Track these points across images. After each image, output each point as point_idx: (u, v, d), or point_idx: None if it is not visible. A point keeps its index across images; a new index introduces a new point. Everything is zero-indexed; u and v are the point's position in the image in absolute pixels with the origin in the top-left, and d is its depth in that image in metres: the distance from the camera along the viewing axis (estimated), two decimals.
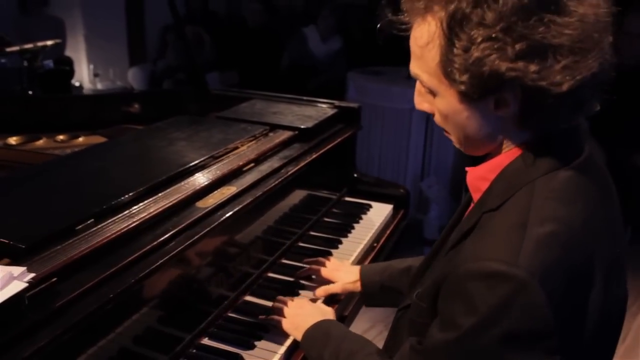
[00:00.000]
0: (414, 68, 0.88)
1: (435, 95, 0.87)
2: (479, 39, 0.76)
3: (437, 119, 0.91)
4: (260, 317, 1.31)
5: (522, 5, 0.74)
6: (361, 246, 1.72)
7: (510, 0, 0.75)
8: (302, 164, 1.63)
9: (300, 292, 1.46)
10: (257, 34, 4.89)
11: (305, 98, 2.09)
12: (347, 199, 2.01)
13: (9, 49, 2.58)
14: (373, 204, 1.97)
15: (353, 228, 1.81)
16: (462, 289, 0.77)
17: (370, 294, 1.38)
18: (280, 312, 1.27)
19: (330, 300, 1.43)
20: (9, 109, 2.08)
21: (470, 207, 0.95)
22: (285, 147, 1.68)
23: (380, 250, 1.78)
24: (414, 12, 0.84)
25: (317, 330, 1.16)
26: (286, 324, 1.24)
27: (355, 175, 2.06)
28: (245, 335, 1.29)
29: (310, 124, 1.78)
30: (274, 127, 1.75)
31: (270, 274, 1.53)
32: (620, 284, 0.89)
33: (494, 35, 0.75)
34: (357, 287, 1.39)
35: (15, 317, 0.85)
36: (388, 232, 1.88)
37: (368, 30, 4.91)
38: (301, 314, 1.23)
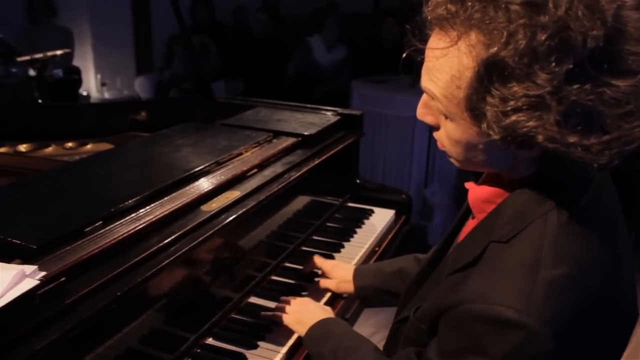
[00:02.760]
0: (429, 85, 0.78)
1: (449, 119, 0.79)
2: (520, 96, 0.66)
3: (441, 136, 0.84)
4: (263, 313, 1.34)
5: (577, 64, 0.64)
6: (363, 250, 1.75)
7: (566, 57, 0.64)
8: (305, 169, 1.66)
9: (303, 294, 1.49)
10: (262, 44, 4.94)
11: (308, 106, 2.13)
12: (350, 204, 2.04)
13: (20, 59, 2.64)
14: (375, 209, 2.00)
15: (355, 233, 1.84)
16: (468, 328, 0.74)
17: (364, 296, 1.41)
18: (283, 310, 1.29)
19: (332, 300, 1.46)
20: (20, 117, 2.13)
21: (471, 224, 0.93)
22: (289, 153, 1.72)
23: (382, 254, 1.81)
24: (443, 30, 0.74)
25: (319, 327, 1.18)
26: (289, 319, 1.26)
27: (358, 181, 2.10)
28: (249, 335, 1.32)
29: (313, 131, 1.82)
30: (278, 134, 1.79)
31: (274, 277, 1.56)
32: (631, 307, 0.87)
33: (539, 97, 0.65)
34: (351, 288, 1.42)
35: (28, 313, 0.89)
36: (390, 236, 1.91)
37: (372, 40, 4.96)
38: (304, 310, 1.26)
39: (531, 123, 0.67)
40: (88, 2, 5.24)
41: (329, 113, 2.05)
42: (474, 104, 0.72)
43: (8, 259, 0.99)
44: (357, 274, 1.42)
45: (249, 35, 5.14)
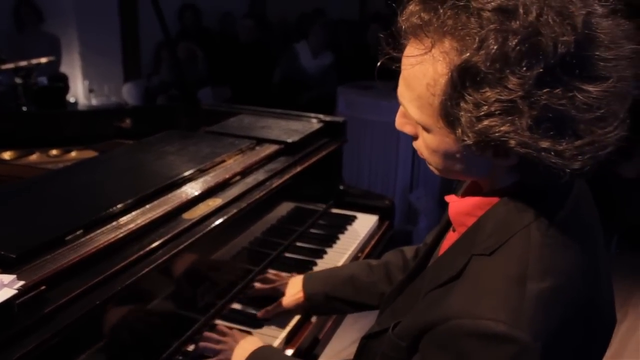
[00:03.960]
0: (403, 96, 0.80)
1: (426, 129, 0.79)
2: (493, 100, 0.67)
3: (419, 146, 0.84)
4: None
5: (548, 69, 0.65)
6: (346, 256, 1.77)
7: (536, 62, 0.65)
8: (287, 176, 1.68)
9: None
10: (249, 50, 4.96)
11: (292, 112, 2.15)
12: (334, 210, 2.05)
13: (4, 67, 2.64)
14: (358, 215, 2.02)
15: (338, 238, 1.86)
16: (457, 345, 0.72)
17: (315, 304, 1.38)
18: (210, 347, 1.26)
19: (303, 320, 1.44)
20: (3, 124, 2.13)
21: (451, 237, 0.92)
22: (271, 160, 1.73)
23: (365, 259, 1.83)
24: (417, 39, 0.75)
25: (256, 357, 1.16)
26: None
27: (342, 187, 2.11)
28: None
29: (296, 138, 1.83)
30: (261, 141, 1.80)
31: (257, 284, 1.57)
32: (611, 311, 0.88)
33: (511, 101, 0.66)
34: (299, 299, 1.39)
35: (6, 322, 0.90)
36: (373, 242, 1.93)
37: (358, 46, 4.99)
38: (239, 344, 1.22)
39: (504, 128, 0.67)
40: (75, 9, 5.23)
41: (312, 120, 2.06)
42: (448, 110, 0.72)
43: None
44: (307, 280, 1.40)
45: (236, 41, 5.16)
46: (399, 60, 0.79)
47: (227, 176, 1.54)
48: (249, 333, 1.34)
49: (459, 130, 0.72)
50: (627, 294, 3.24)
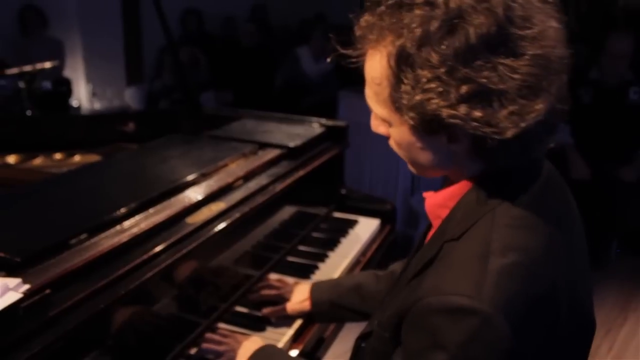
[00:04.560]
0: (368, 97, 0.87)
1: (389, 125, 0.86)
2: (424, 79, 0.75)
3: (392, 143, 0.90)
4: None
5: (468, 47, 0.72)
6: (347, 260, 1.78)
7: (457, 41, 0.73)
8: (289, 181, 1.69)
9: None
10: (251, 54, 4.98)
11: (294, 117, 2.16)
12: (335, 214, 2.06)
13: (8, 72, 2.65)
14: (360, 219, 2.03)
15: (340, 242, 1.87)
16: (426, 323, 0.76)
17: (319, 312, 1.39)
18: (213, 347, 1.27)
19: (308, 322, 1.45)
20: (8, 129, 2.15)
21: (430, 234, 0.94)
22: (274, 164, 1.74)
23: (367, 264, 1.84)
24: (366, 42, 0.83)
25: (260, 357, 1.17)
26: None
27: (343, 191, 2.12)
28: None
29: (298, 143, 1.84)
30: (263, 146, 1.82)
31: (263, 290, 1.58)
32: (583, 306, 0.89)
33: (437, 76, 0.74)
34: (306, 306, 1.41)
35: (11, 326, 0.91)
36: (375, 246, 1.94)
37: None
38: (242, 344, 1.24)
39: (435, 101, 0.74)
40: (79, 14, 5.26)
41: (314, 124, 2.08)
42: (394, 98, 0.80)
43: None
44: (314, 288, 1.42)
45: (238, 46, 5.18)
46: (348, 58, 0.87)
47: (230, 180, 1.55)
48: (263, 330, 1.35)
49: (404, 114, 0.79)
50: (627, 297, 3.24)
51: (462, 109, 0.74)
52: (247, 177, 1.62)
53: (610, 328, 2.95)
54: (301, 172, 1.76)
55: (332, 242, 1.86)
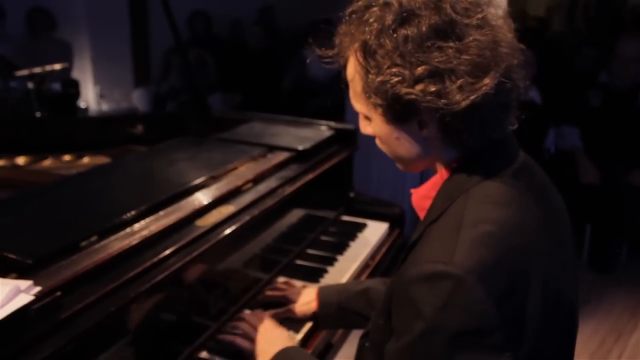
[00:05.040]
0: (351, 98, 0.96)
1: (370, 120, 0.95)
2: (385, 66, 0.85)
3: (377, 141, 0.98)
4: (221, 337, 1.32)
5: (418, 33, 0.83)
6: (356, 264, 1.77)
7: (409, 30, 0.83)
8: (299, 184, 1.68)
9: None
10: (259, 57, 4.98)
11: (303, 120, 2.15)
12: (344, 217, 2.06)
13: (18, 73, 2.66)
14: (369, 222, 2.02)
15: (349, 246, 1.86)
16: (406, 295, 0.81)
17: (326, 314, 1.39)
18: (244, 332, 1.29)
19: (314, 329, 1.43)
20: (17, 130, 2.15)
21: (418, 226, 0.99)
22: (283, 167, 1.74)
23: (376, 268, 1.83)
24: (343, 48, 0.93)
25: (281, 358, 1.18)
26: (248, 345, 1.26)
27: (352, 194, 2.12)
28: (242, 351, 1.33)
29: (307, 146, 1.84)
30: (272, 149, 1.81)
31: (268, 291, 1.58)
32: (562, 284, 0.92)
33: (394, 62, 0.84)
34: (312, 308, 1.40)
35: (22, 328, 0.91)
36: (384, 250, 1.93)
37: None
38: (265, 339, 1.25)
39: (395, 81, 0.84)
40: (87, 16, 5.28)
41: (323, 127, 2.07)
42: (365, 91, 0.89)
43: (4, 274, 1.01)
44: (322, 291, 1.41)
45: (246, 48, 5.18)
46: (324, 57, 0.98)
47: (239, 183, 1.55)
48: None
49: (373, 100, 0.88)
50: (637, 303, 3.21)
51: (419, 87, 0.83)
52: (257, 180, 1.61)
53: (621, 334, 2.93)
54: (310, 175, 1.75)
55: (340, 246, 1.85)
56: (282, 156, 1.77)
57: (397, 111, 0.87)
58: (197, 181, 1.49)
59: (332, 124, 2.08)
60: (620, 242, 3.58)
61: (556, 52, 4.59)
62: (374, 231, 1.98)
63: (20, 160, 1.95)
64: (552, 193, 1.00)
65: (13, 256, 1.05)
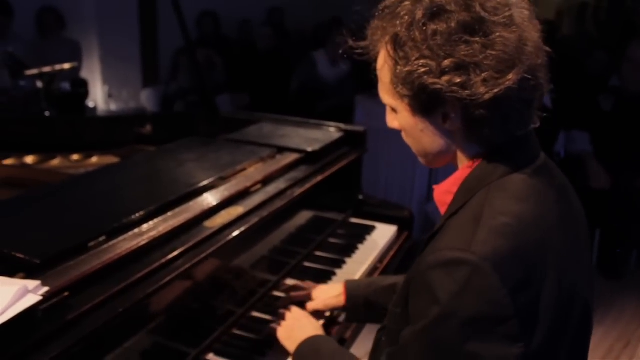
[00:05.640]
0: (379, 90, 0.99)
1: (396, 113, 0.97)
2: (413, 57, 0.87)
3: (403, 135, 1.00)
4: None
5: (448, 28, 0.86)
6: (365, 267, 1.76)
7: (438, 24, 0.86)
8: (308, 186, 1.67)
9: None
10: (267, 58, 4.98)
11: (312, 121, 2.14)
12: (352, 220, 2.04)
13: (28, 72, 2.67)
14: (377, 225, 2.01)
15: (357, 249, 1.85)
16: (424, 282, 0.83)
17: (354, 308, 1.39)
18: (278, 323, 1.30)
19: (329, 322, 1.44)
20: (26, 129, 2.16)
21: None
22: (292, 169, 1.73)
23: (384, 270, 1.81)
24: (375, 42, 0.96)
25: (309, 345, 1.19)
26: (280, 333, 1.28)
27: (361, 197, 2.10)
28: (249, 351, 1.32)
29: (316, 147, 1.83)
30: (281, 150, 1.80)
31: (276, 293, 1.57)
32: (578, 282, 0.92)
33: (422, 54, 0.86)
34: (341, 301, 1.40)
35: (30, 329, 0.90)
36: (392, 253, 1.91)
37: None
38: (296, 325, 1.27)
39: (421, 70, 0.86)
40: (96, 15, 5.29)
41: (332, 129, 2.06)
42: (394, 83, 0.91)
43: (12, 273, 1.00)
44: (349, 284, 1.41)
45: (254, 49, 5.18)
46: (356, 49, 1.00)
47: (248, 185, 1.54)
48: None
49: (400, 91, 0.90)
50: None
51: (445, 78, 0.85)
52: (265, 181, 1.61)
53: (630, 340, 2.89)
54: (319, 177, 1.74)
55: (349, 248, 1.84)
56: (291, 157, 1.76)
57: (423, 101, 0.89)
58: (206, 182, 1.48)
59: (342, 125, 2.07)
60: (630, 247, 3.54)
61: (567, 56, 4.56)
62: (383, 234, 1.96)
63: (29, 159, 1.95)
64: (571, 194, 1.01)
65: (21, 256, 1.04)
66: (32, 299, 0.90)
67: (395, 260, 1.90)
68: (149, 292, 1.10)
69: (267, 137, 1.92)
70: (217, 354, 1.31)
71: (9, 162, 1.92)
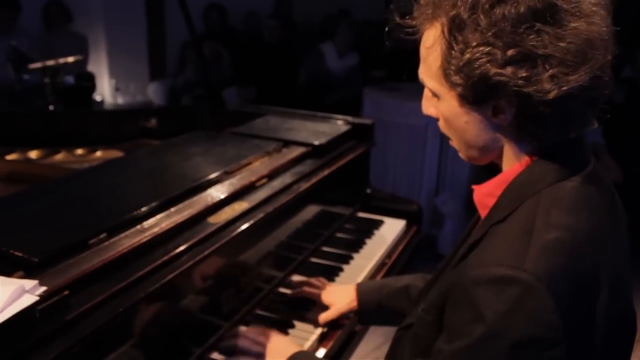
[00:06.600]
0: (421, 72, 0.91)
1: (438, 99, 0.89)
2: (474, 43, 0.79)
3: (441, 124, 0.93)
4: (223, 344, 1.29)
5: (516, 13, 0.77)
6: (373, 262, 1.72)
7: (506, 8, 0.78)
8: (315, 180, 1.64)
9: (312, 307, 1.46)
10: (274, 50, 4.94)
11: (319, 114, 2.11)
12: (360, 214, 2.01)
13: (32, 66, 2.65)
14: (386, 219, 1.97)
15: (365, 243, 1.82)
16: (468, 297, 0.77)
17: (367, 312, 1.36)
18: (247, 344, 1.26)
19: (332, 325, 1.41)
20: (30, 123, 2.13)
21: (479, 224, 0.94)
22: (298, 163, 1.69)
23: (392, 266, 1.78)
24: (423, 18, 0.88)
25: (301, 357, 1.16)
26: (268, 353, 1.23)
27: (369, 191, 2.07)
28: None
29: (323, 141, 1.79)
30: (288, 143, 1.77)
31: (282, 289, 1.54)
32: (625, 298, 0.88)
33: (486, 40, 0.78)
34: (353, 306, 1.37)
35: (26, 330, 0.87)
36: (400, 247, 1.88)
37: (385, 47, 4.94)
38: (276, 346, 1.22)
39: (483, 60, 0.78)
40: (103, 8, 5.27)
41: (339, 122, 2.02)
42: (445, 68, 0.84)
43: (10, 272, 0.98)
44: (361, 289, 1.38)
45: (261, 42, 5.14)
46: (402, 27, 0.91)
47: (253, 179, 1.51)
48: (285, 333, 1.32)
49: (453, 78, 0.83)
50: None
51: (509, 70, 0.78)
52: (271, 175, 1.57)
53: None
54: (326, 171, 1.71)
55: (356, 244, 1.80)
56: (297, 151, 1.72)
57: (479, 92, 0.81)
58: (211, 176, 1.45)
59: (349, 118, 2.03)
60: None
61: None
62: (391, 228, 1.93)
63: (33, 154, 1.93)
64: (618, 202, 0.94)
65: (19, 254, 1.02)
66: (29, 299, 0.87)
67: (404, 255, 1.87)
68: (151, 291, 1.07)
69: (273, 130, 1.89)
70: (222, 352, 1.28)
71: (12, 157, 1.90)
